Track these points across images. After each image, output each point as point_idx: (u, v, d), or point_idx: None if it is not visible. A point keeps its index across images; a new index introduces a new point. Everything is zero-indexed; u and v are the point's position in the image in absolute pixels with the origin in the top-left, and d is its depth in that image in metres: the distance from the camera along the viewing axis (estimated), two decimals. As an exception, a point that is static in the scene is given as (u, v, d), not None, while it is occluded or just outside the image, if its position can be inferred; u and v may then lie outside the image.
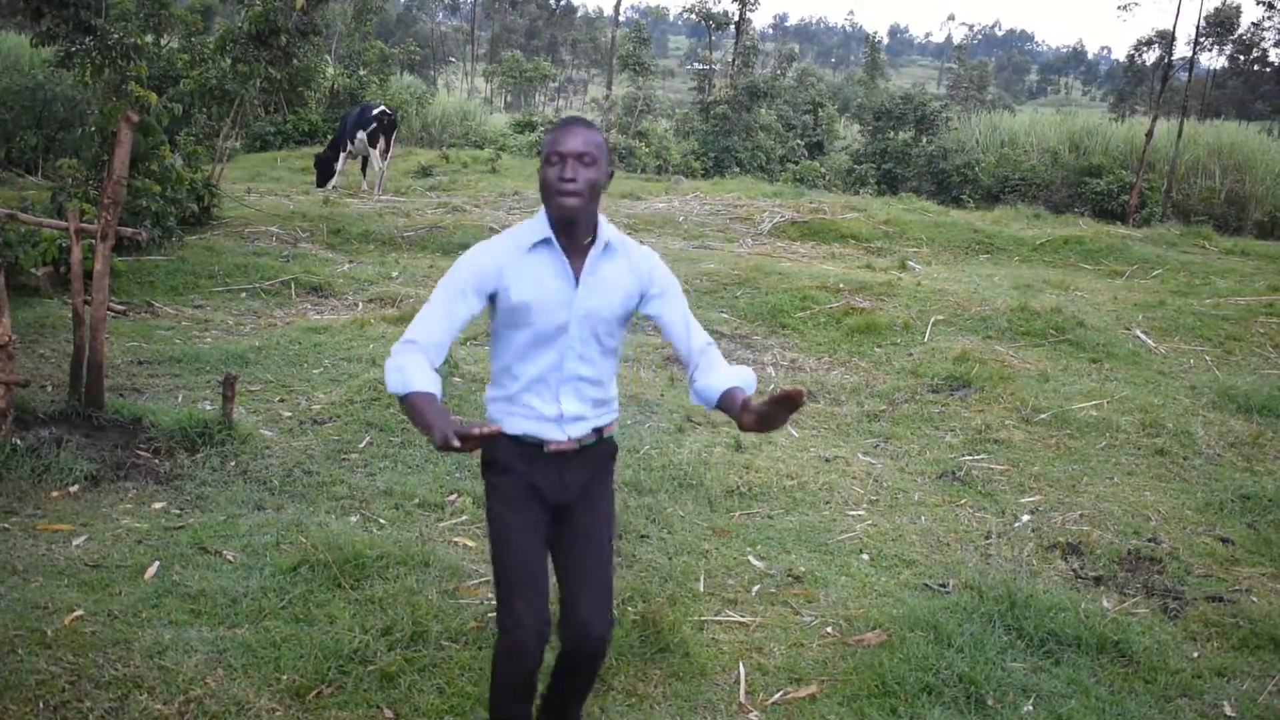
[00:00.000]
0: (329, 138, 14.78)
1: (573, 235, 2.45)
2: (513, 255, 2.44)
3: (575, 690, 2.69)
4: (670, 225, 12.76)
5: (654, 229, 12.52)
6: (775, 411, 2.30)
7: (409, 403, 2.30)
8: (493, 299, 2.47)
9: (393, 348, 2.38)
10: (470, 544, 4.23)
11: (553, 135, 2.42)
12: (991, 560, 4.38)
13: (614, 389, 2.63)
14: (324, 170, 14.50)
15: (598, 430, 2.58)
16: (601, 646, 2.55)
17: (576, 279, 2.46)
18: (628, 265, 2.54)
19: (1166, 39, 31.59)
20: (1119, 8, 28.17)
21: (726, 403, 2.48)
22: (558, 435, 2.51)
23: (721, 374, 2.50)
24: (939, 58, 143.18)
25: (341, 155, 14.31)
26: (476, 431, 2.11)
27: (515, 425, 2.50)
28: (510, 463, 2.52)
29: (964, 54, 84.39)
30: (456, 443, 2.11)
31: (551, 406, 2.51)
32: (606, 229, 2.50)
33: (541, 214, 2.46)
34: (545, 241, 2.44)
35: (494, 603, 3.62)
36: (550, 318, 2.45)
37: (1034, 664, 3.47)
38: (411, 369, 2.32)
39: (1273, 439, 5.98)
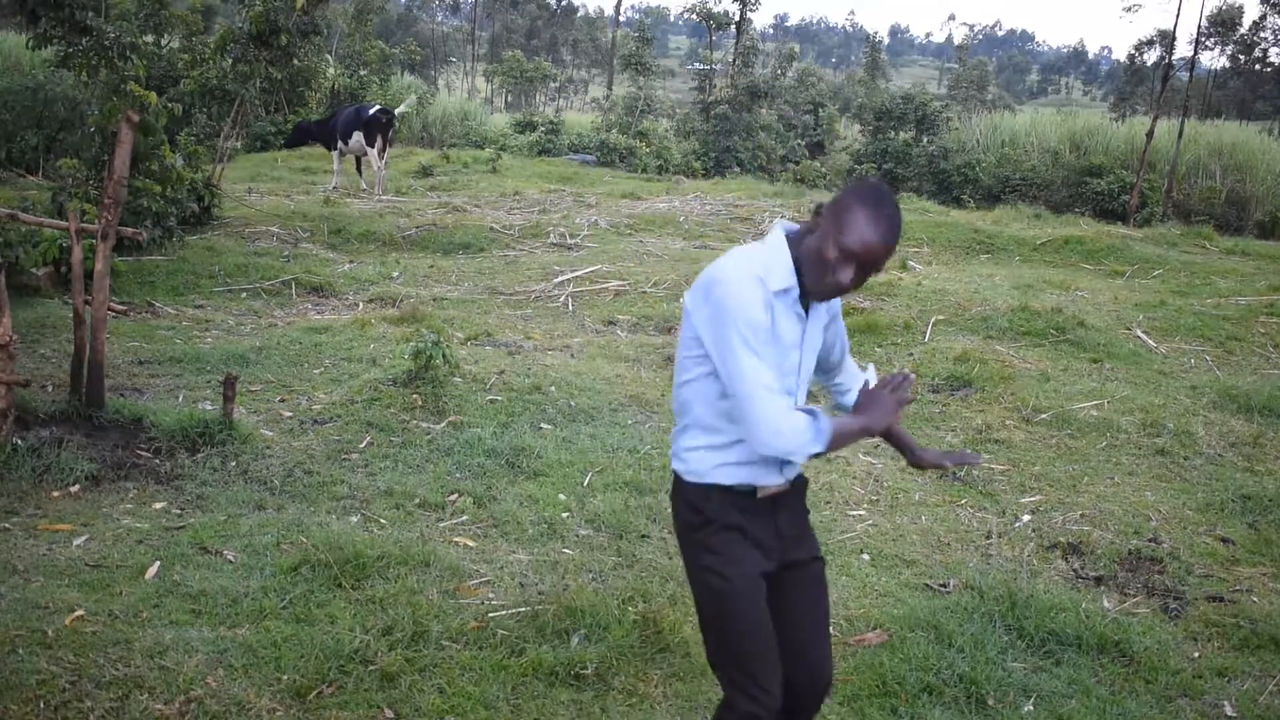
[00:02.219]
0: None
1: None
2: (769, 298, 2.22)
3: None
4: (671, 225, 12.77)
5: (655, 229, 12.52)
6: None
7: (837, 441, 2.21)
8: None
9: (774, 420, 2.15)
10: (470, 544, 4.22)
11: (863, 227, 2.14)
12: (992, 560, 4.38)
13: None
14: (296, 136, 15.16)
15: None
16: (829, 686, 2.49)
17: (805, 310, 2.32)
18: None
19: (1167, 39, 31.63)
20: (1124, 9, 28.11)
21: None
22: (775, 479, 2.35)
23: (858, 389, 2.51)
24: (939, 58, 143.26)
25: (335, 154, 14.35)
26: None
27: (729, 475, 2.32)
28: (727, 516, 2.32)
29: (964, 54, 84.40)
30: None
31: None
32: None
33: (779, 247, 2.26)
34: (788, 289, 2.26)
35: (494, 601, 3.64)
36: (790, 356, 2.30)
37: (1034, 664, 3.47)
38: (806, 417, 2.18)
39: (1273, 439, 5.98)
